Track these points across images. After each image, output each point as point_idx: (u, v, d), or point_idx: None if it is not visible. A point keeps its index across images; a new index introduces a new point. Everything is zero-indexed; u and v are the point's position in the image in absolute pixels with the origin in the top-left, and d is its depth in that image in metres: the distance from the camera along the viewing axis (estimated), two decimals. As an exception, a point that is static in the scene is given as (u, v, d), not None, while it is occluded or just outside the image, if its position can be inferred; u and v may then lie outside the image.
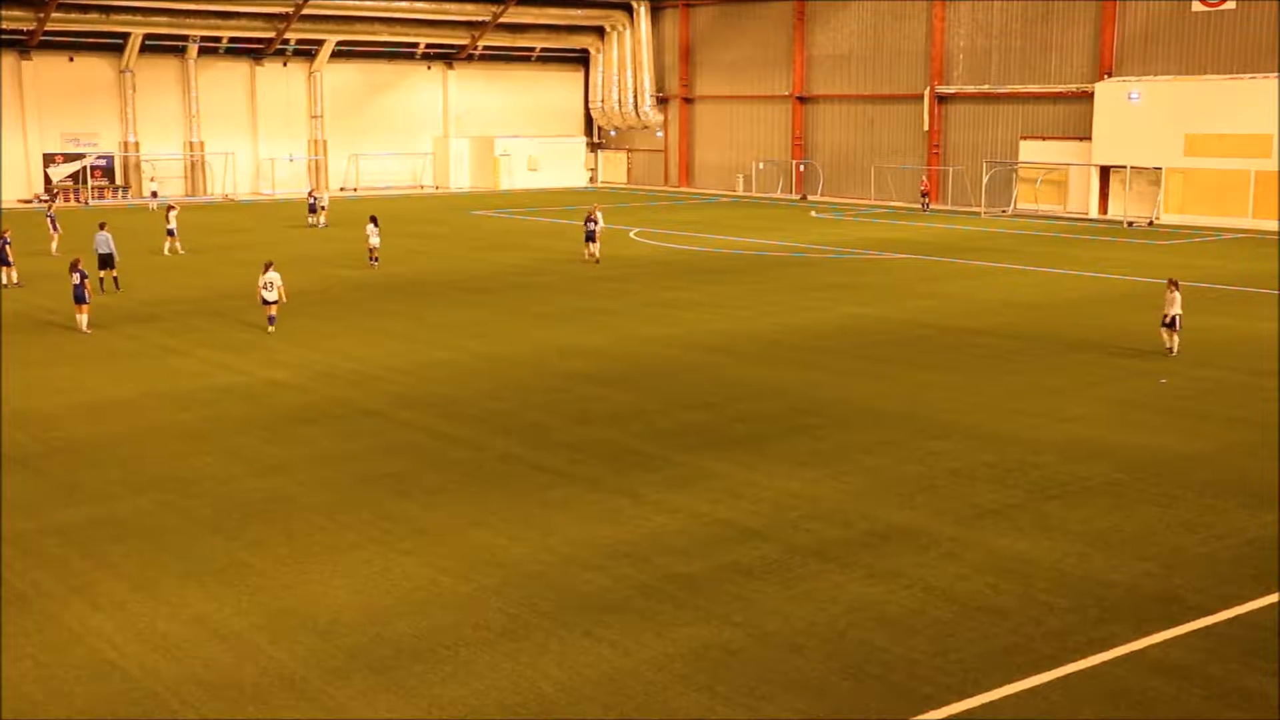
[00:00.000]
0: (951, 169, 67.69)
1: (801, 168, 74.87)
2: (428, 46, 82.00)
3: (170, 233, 44.79)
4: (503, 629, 12.49)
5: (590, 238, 41.65)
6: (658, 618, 12.73)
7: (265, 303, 28.67)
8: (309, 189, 62.75)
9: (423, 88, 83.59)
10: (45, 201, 61.51)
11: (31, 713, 10.80)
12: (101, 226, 36.52)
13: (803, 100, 75.36)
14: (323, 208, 57.19)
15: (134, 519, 15.93)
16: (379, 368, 25.11)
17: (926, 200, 65.26)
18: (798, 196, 65.64)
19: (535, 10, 78.84)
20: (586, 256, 41.54)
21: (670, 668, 11.63)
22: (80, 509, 16.37)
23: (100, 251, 35.29)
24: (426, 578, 13.87)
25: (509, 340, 28.18)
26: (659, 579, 13.79)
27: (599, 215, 42.64)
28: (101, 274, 34.95)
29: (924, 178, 66.62)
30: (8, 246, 36.67)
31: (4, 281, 36.40)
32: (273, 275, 28.71)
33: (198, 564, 14.30)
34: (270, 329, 28.60)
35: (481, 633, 12.39)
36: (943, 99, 68.04)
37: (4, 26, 66.98)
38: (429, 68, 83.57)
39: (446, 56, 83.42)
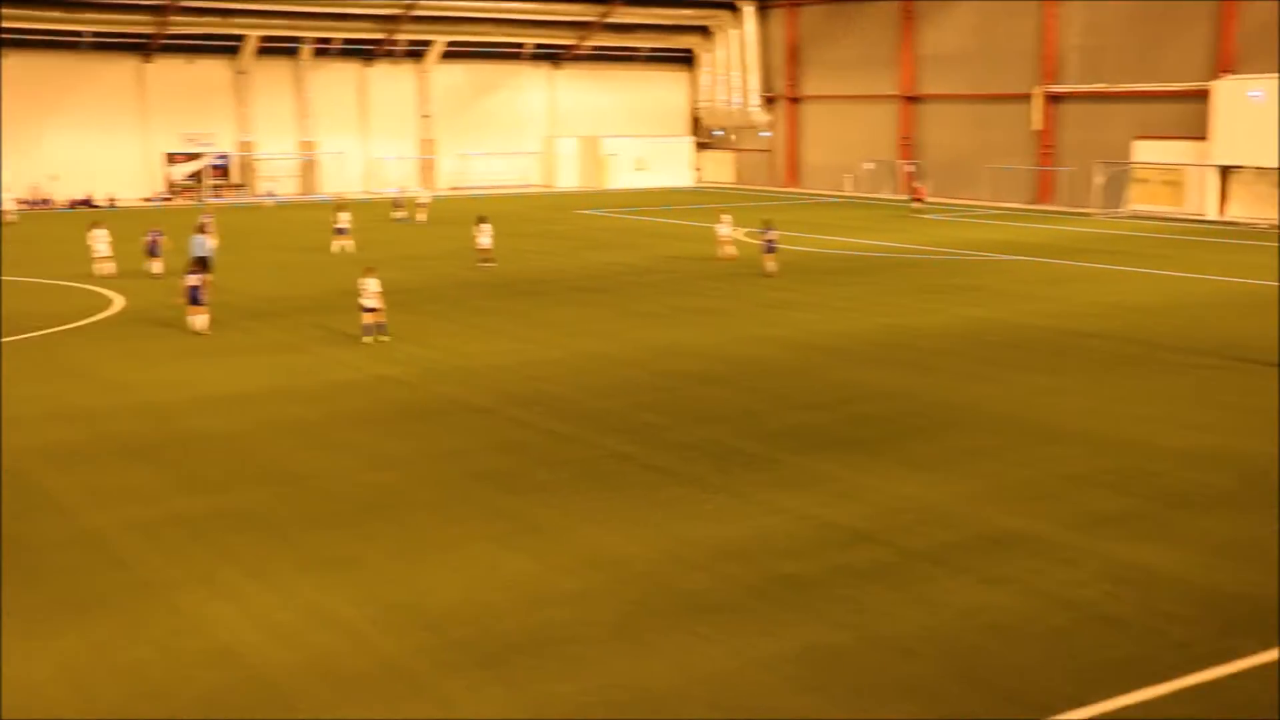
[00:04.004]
0: (1063, 169, 66.56)
1: (910, 168, 74.12)
2: (535, 46, 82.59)
3: (340, 231, 45.55)
4: (612, 626, 12.50)
5: (769, 249, 38.57)
6: (767, 618, 12.67)
7: (365, 310, 27.73)
8: (398, 189, 63.58)
9: (530, 87, 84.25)
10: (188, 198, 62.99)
11: (154, 696, 11.05)
12: (200, 229, 37.37)
13: (911, 100, 74.62)
14: (421, 205, 58.02)
15: (251, 510, 16.24)
16: (488, 365, 25.32)
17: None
18: (908, 197, 64.92)
19: (641, 10, 79.05)
20: (768, 269, 38.35)
21: (779, 669, 11.55)
22: (200, 499, 16.73)
23: (197, 254, 35.86)
24: (536, 574, 13.95)
25: (618, 339, 28.25)
26: (768, 580, 13.71)
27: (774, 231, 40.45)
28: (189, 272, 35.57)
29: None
30: (159, 241, 38.75)
31: (152, 271, 38.13)
32: (371, 281, 27.71)
33: (312, 555, 14.53)
34: (368, 339, 27.55)
35: (590, 629, 12.42)
36: (1055, 98, 66.93)
37: (127, 31, 68.79)
38: (536, 67, 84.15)
39: (553, 56, 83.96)
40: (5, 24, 65.65)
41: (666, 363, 25.65)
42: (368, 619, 12.69)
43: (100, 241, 38.99)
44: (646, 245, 47.90)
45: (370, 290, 27.68)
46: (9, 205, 57.86)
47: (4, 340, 28.03)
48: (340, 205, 49.48)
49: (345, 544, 14.93)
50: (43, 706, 10.87)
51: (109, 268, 38.76)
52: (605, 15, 78.46)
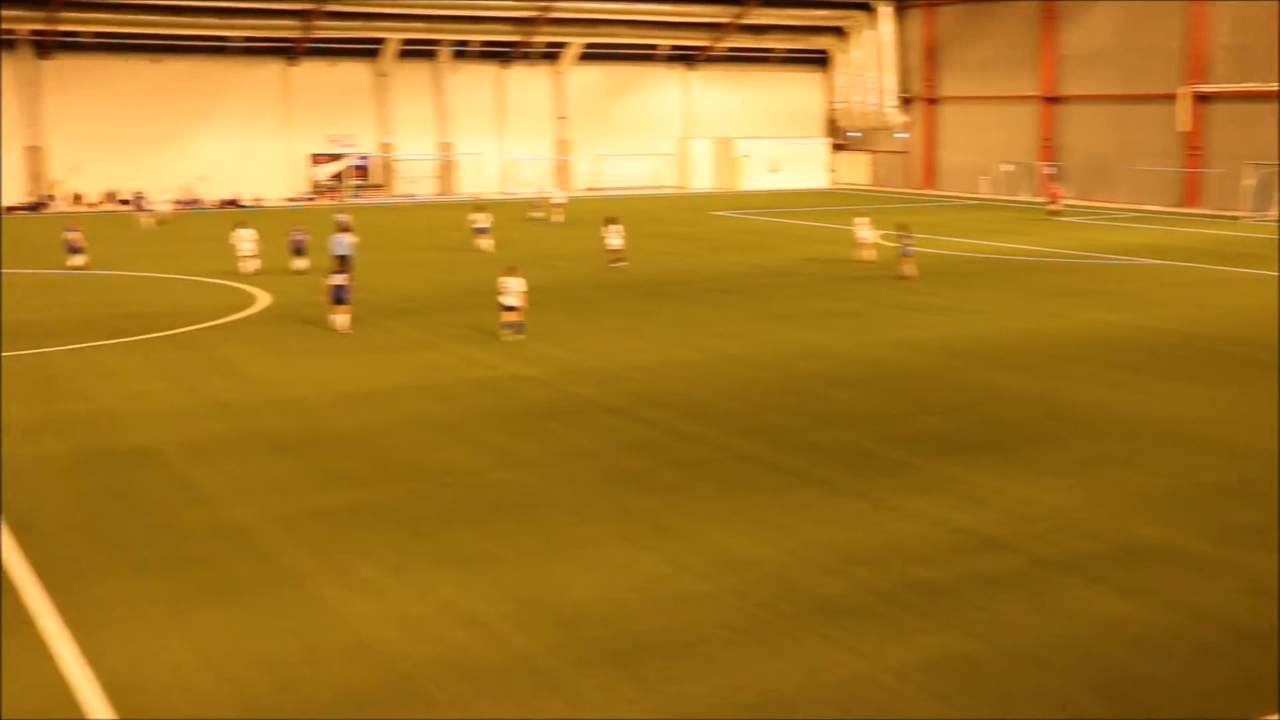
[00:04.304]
0: (1211, 171, 64.72)
1: (1049, 170, 72.74)
2: (670, 48, 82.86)
3: (480, 231, 46.59)
4: (742, 628, 12.56)
5: (906, 252, 38.13)
6: (897, 624, 12.61)
7: (505, 308, 28.39)
8: (536, 189, 64.30)
9: (664, 89, 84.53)
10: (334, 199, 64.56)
11: (293, 686, 11.39)
12: (341, 228, 38.27)
13: (1051, 101, 73.23)
14: (557, 206, 58.64)
15: (388, 505, 16.62)
16: (621, 366, 25.52)
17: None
18: (1049, 199, 63.70)
19: (776, 11, 78.85)
20: (906, 273, 37.69)
21: (910, 676, 11.50)
22: (339, 494, 17.17)
23: (337, 253, 36.75)
24: (666, 574, 14.06)
25: (750, 341, 28.26)
26: (899, 585, 13.64)
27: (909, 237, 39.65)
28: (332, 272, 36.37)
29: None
30: (304, 240, 40.31)
31: (297, 268, 39.50)
32: (514, 281, 28.36)
33: (448, 551, 14.82)
34: (507, 335, 28.13)
35: (721, 631, 12.49)
36: (1203, 98, 65.14)
37: (274, 35, 70.70)
38: (670, 69, 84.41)
39: (688, 58, 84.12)
40: (164, 30, 67.98)
41: (799, 365, 25.60)
42: (502, 615, 12.92)
43: (245, 240, 40.18)
44: (780, 247, 47.77)
45: (512, 289, 28.26)
46: (162, 206, 59.72)
47: (156, 336, 29.01)
48: (480, 206, 50.57)
49: (480, 541, 15.20)
50: (187, 692, 11.27)
51: (253, 265, 39.90)
52: (740, 16, 78.39)
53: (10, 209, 65.70)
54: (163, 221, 57.59)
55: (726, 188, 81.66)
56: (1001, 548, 14.82)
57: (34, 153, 68.69)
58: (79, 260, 41.89)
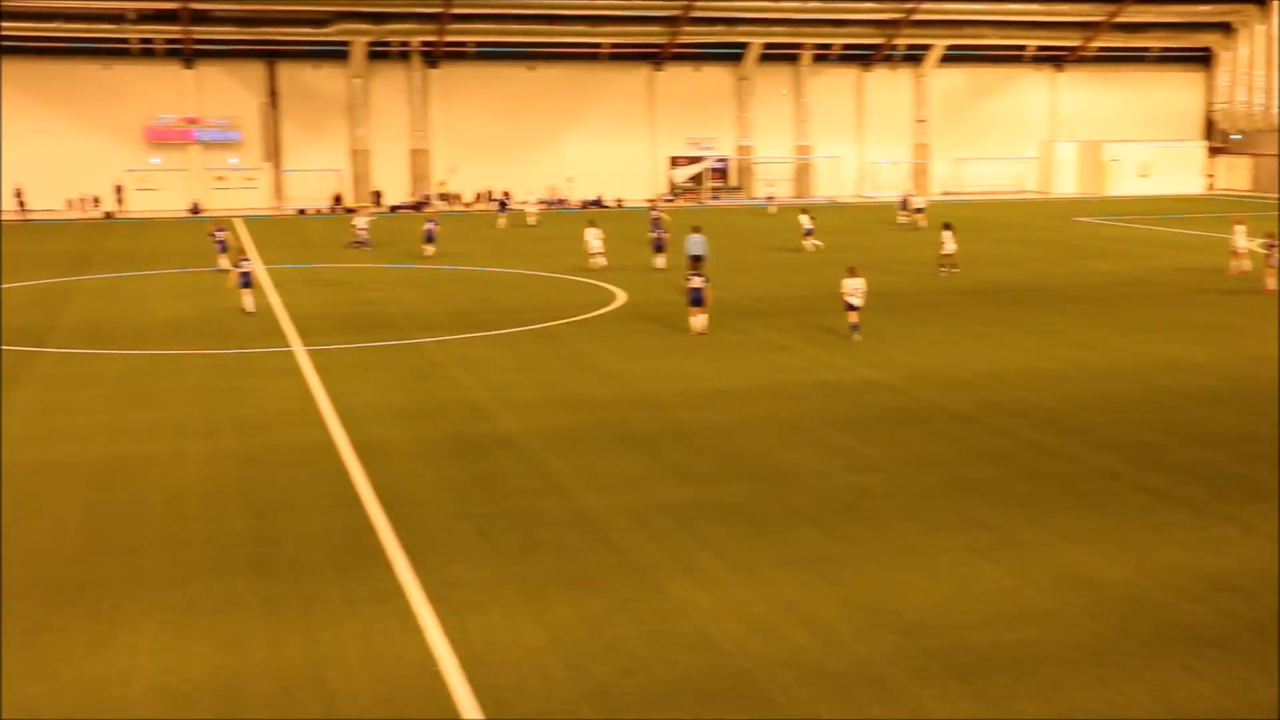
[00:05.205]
0: None
1: None
2: (1037, 49, 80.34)
3: (808, 232, 47.53)
4: (1093, 651, 12.06)
5: (1274, 264, 35.24)
6: (1268, 660, 11.79)
7: (850, 308, 28.76)
8: (902, 193, 63.55)
9: (1030, 91, 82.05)
10: (662, 199, 66.17)
11: (636, 673, 11.70)
12: (696, 229, 39.05)
13: None
14: (918, 210, 57.90)
15: (735, 503, 16.83)
16: (973, 373, 24.95)
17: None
18: None
19: (1155, 8, 75.20)
20: (1269, 286, 34.94)
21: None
22: (687, 489, 17.51)
23: (692, 253, 37.57)
24: (1013, 588, 13.66)
25: (1110, 352, 27.09)
26: (1272, 617, 12.75)
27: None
28: (690, 272, 37.07)
29: None
30: (665, 235, 41.97)
31: (656, 266, 40.86)
32: (854, 282, 28.68)
33: (791, 552, 14.88)
34: (854, 336, 28.43)
35: (1069, 651, 12.03)
36: None
37: (641, 41, 72.86)
38: (1037, 70, 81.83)
39: (1056, 59, 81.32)
40: (540, 39, 71.23)
41: (1163, 379, 24.34)
42: (842, 619, 12.87)
43: (593, 239, 41.81)
44: (1149, 255, 45.54)
45: (854, 289, 28.50)
46: (529, 206, 62.46)
47: (520, 330, 30.40)
48: (804, 209, 52.31)
49: (824, 543, 15.19)
50: (537, 672, 11.76)
51: (600, 262, 41.38)
52: (1114, 15, 75.16)
53: (393, 208, 70.25)
54: (529, 222, 60.11)
55: (1092, 193, 78.43)
56: (1389, 584, 13.66)
57: (418, 156, 73.34)
58: (429, 250, 46.01)
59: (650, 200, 63.88)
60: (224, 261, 41.30)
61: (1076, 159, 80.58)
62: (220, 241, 42.50)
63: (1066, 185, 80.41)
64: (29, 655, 12.19)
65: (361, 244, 49.42)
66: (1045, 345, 28.03)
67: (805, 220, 48.33)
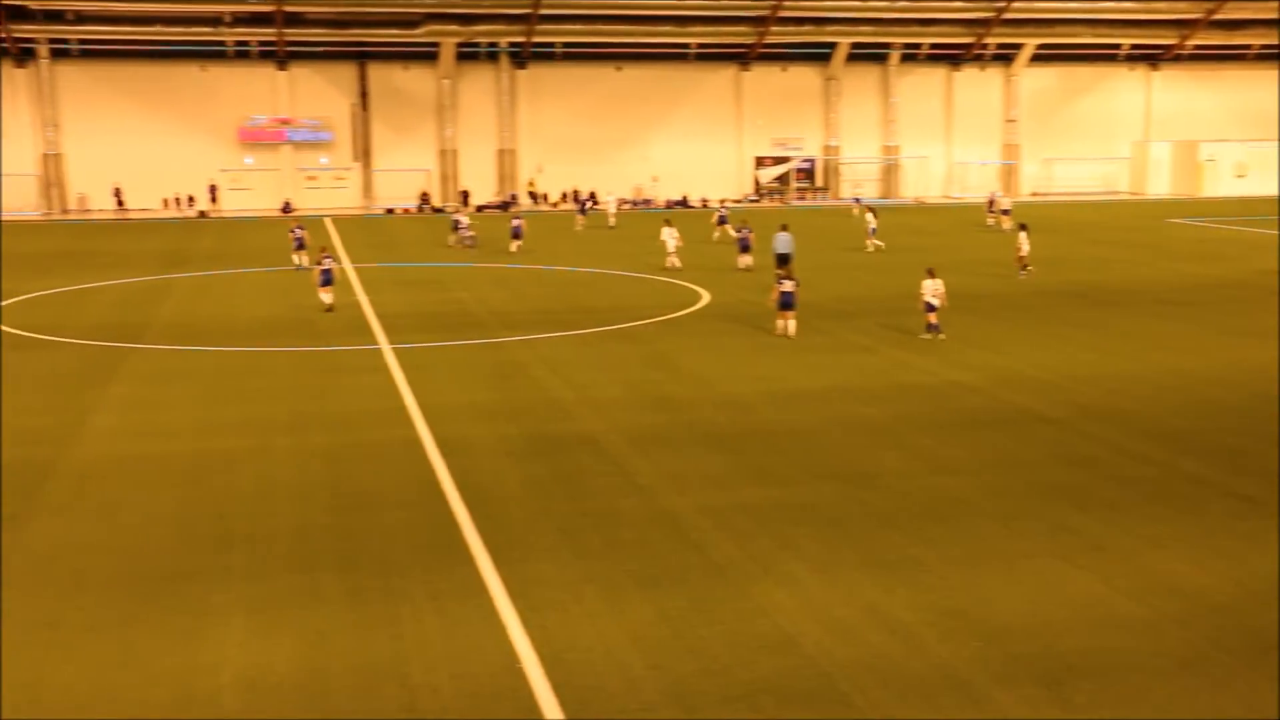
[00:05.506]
0: None
1: None
2: (1131, 47, 79.05)
3: (872, 231, 47.68)
4: (1181, 659, 11.85)
5: None
6: (1362, 672, 11.54)
7: (929, 309, 28.82)
8: (991, 195, 62.80)
9: (1123, 90, 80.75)
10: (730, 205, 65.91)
11: (717, 674, 11.68)
12: (783, 228, 39.10)
13: None
14: (1005, 211, 57.22)
15: (816, 504, 16.75)
16: (1061, 376, 24.61)
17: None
18: None
19: (1254, 5, 73.61)
20: None
21: (1374, 729, 10.51)
22: (770, 490, 17.46)
23: (779, 251, 37.77)
24: (1100, 595, 13.46)
25: (1203, 356, 26.60)
26: (1366, 630, 12.47)
27: None
28: (779, 273, 36.92)
29: None
30: (750, 235, 42.01)
31: (741, 266, 41.01)
32: (932, 283, 28.85)
33: (873, 554, 14.78)
34: (927, 335, 28.52)
35: (1156, 660, 11.84)
36: None
37: (729, 41, 72.73)
38: (1131, 69, 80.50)
39: (1151, 58, 79.95)
40: (628, 39, 71.37)
41: (1258, 384, 23.83)
42: (925, 623, 12.76)
43: (669, 238, 41.97)
44: (1245, 258, 44.61)
45: (933, 290, 28.73)
46: (612, 208, 62.31)
47: (603, 330, 30.48)
48: (867, 208, 52.26)
49: (907, 546, 15.07)
50: (618, 672, 11.79)
51: (675, 261, 41.44)
52: (1212, 12, 73.72)
53: (480, 208, 70.72)
54: (609, 223, 60.07)
55: (1187, 193, 77.00)
56: None
57: (505, 155, 73.82)
58: (515, 246, 47.24)
59: (720, 201, 63.91)
60: (302, 259, 41.99)
61: (1171, 159, 79.14)
62: (299, 239, 43.13)
63: (1160, 186, 79.02)
64: (120, 645, 12.46)
65: (468, 241, 49.94)
66: (1134, 348, 27.59)
67: (870, 219, 48.29)
